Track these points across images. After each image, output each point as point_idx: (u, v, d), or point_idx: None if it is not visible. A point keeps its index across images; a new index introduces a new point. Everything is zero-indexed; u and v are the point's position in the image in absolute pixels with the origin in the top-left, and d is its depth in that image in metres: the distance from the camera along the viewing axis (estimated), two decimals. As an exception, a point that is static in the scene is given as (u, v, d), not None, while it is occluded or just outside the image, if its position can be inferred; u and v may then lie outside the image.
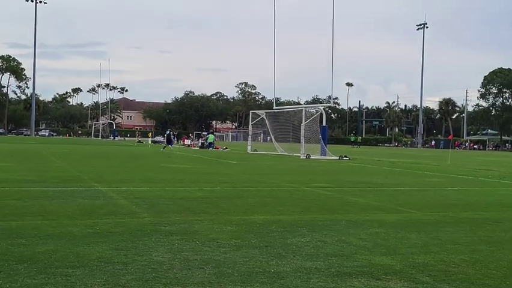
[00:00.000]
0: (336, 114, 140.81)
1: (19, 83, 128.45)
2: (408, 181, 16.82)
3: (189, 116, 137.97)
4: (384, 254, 5.82)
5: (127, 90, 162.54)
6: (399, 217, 8.68)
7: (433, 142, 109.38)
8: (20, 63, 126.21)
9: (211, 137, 46.92)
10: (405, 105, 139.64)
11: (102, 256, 5.30)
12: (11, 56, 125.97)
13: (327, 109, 55.65)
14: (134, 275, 4.69)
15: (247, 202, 9.95)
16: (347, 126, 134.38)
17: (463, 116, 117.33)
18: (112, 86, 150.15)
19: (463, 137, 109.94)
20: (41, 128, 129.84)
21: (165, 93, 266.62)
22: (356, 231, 7.13)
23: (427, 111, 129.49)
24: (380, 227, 7.48)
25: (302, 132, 34.22)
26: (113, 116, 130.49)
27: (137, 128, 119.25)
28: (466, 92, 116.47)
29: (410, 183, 15.92)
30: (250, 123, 44.69)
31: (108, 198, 9.81)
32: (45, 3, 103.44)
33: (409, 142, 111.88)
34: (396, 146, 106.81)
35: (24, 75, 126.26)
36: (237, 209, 8.95)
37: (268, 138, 52.74)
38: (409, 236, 6.91)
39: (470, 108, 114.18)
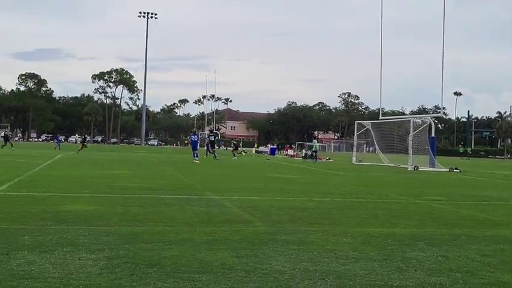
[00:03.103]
0: (443, 125, 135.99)
1: (131, 94, 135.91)
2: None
3: (291, 127, 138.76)
4: (512, 272, 5.56)
5: (231, 101, 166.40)
6: (523, 233, 8.24)
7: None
8: (132, 76, 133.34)
9: (315, 144, 43.94)
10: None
11: (224, 263, 5.47)
12: (124, 70, 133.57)
13: (434, 119, 53.84)
14: (257, 283, 4.79)
15: (359, 214, 9.86)
16: (454, 137, 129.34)
17: None
18: (217, 97, 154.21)
19: None
20: (150, 137, 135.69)
21: (268, 103, 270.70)
22: (478, 246, 6.86)
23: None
24: (504, 243, 7.14)
25: (410, 143, 33.34)
26: (218, 126, 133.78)
27: (240, 138, 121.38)
28: None
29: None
30: (356, 134, 44.22)
31: (222, 207, 10.09)
32: (156, 18, 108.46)
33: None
34: (509, 158, 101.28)
35: (136, 87, 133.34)
36: (350, 221, 8.90)
37: (372, 148, 51.96)
38: (537, 254, 6.56)
39: None
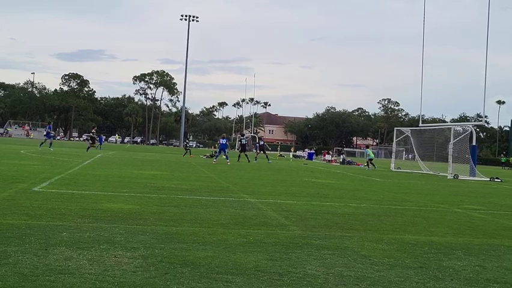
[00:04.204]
0: (484, 133, 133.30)
1: (171, 96, 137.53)
2: None
3: (330, 132, 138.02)
4: (552, 284, 5.41)
5: (269, 105, 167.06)
6: None
7: None
8: (173, 78, 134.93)
9: (371, 153, 39.97)
10: None
11: (258, 265, 5.48)
12: (164, 72, 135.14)
13: (475, 127, 52.87)
14: (290, 287, 4.79)
15: (396, 221, 9.74)
16: (496, 146, 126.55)
17: None
18: (256, 101, 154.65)
19: None
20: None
21: (306, 108, 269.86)
22: (517, 258, 6.70)
23: None
24: (544, 256, 6.96)
25: (450, 151, 32.77)
26: (256, 130, 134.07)
27: (278, 142, 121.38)
28: None
29: None
30: (395, 140, 43.71)
31: (258, 210, 10.10)
32: (197, 21, 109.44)
33: None
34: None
35: (176, 89, 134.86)
36: (386, 227, 8.80)
37: (411, 156, 51.19)
38: None
39: None
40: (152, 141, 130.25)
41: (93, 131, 40.80)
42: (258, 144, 42.10)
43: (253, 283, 4.82)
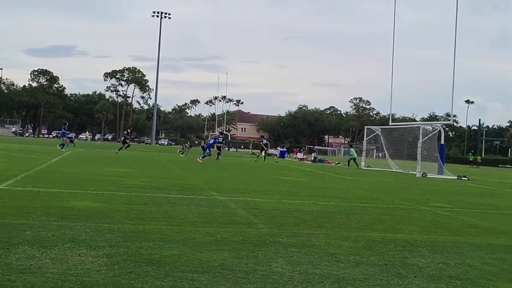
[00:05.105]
0: (453, 132, 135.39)
1: (143, 93, 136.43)
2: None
3: (302, 130, 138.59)
4: (512, 281, 5.53)
5: (242, 103, 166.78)
6: (527, 243, 8.18)
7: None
8: (144, 75, 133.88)
9: (354, 153, 40.84)
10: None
11: (224, 264, 5.47)
12: (136, 68, 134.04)
13: (444, 127, 53.60)
14: (255, 285, 4.80)
15: (364, 218, 9.83)
16: (465, 145, 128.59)
17: None
18: (229, 99, 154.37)
19: None
20: (160, 137, 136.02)
21: (279, 106, 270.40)
22: (480, 254, 6.83)
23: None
24: (506, 252, 7.11)
25: (419, 149, 33.22)
26: (229, 128, 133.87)
27: (250, 140, 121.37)
28: None
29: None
30: (365, 139, 44.09)
31: (227, 208, 10.09)
32: (169, 18, 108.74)
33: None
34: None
35: (148, 86, 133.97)
36: (354, 225, 8.88)
37: (381, 154, 51.72)
38: (540, 264, 6.51)
39: None
40: (123, 138, 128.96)
41: (125, 132, 40.99)
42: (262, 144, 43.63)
43: (218, 281, 4.82)
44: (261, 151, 43.98)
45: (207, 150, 33.90)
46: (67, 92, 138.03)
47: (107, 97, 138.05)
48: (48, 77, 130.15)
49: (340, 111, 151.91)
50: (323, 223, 8.85)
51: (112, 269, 4.96)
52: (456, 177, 30.93)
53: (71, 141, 37.44)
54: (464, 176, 31.73)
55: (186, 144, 46.47)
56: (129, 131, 39.31)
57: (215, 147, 35.87)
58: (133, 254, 5.63)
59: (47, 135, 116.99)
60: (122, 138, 45.09)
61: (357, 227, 8.66)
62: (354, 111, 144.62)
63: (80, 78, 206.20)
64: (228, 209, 9.89)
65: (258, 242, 6.72)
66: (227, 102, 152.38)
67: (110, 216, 8.05)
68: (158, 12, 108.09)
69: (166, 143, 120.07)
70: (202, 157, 31.51)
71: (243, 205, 10.64)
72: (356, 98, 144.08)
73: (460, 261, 6.33)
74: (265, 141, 45.02)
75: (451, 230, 9.16)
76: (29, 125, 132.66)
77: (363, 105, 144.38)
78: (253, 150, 77.33)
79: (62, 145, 36.40)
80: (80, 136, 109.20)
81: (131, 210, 8.84)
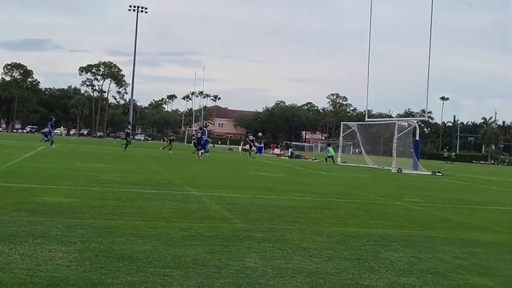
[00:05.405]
0: (429, 129, 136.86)
1: (119, 88, 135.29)
2: (507, 201, 16.08)
3: (279, 126, 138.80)
4: (481, 274, 5.61)
5: (219, 98, 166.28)
6: (497, 237, 8.32)
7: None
8: (121, 70, 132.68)
9: (331, 150, 41.33)
10: (504, 122, 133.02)
11: (197, 259, 5.45)
12: (112, 63, 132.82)
13: (420, 123, 54.13)
14: (228, 279, 4.79)
15: (338, 214, 9.88)
16: (440, 141, 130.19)
17: None
18: (206, 94, 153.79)
19: None
20: (137, 132, 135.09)
21: (256, 102, 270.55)
22: (451, 249, 6.92)
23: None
24: (476, 246, 7.20)
25: (394, 145, 33.53)
26: (206, 123, 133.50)
27: (228, 136, 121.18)
28: None
29: (509, 203, 15.22)
30: (341, 135, 44.35)
31: (201, 203, 10.06)
32: (146, 12, 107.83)
33: (506, 160, 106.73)
34: (493, 163, 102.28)
35: (124, 81, 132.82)
36: (328, 220, 8.92)
37: (358, 150, 52.08)
38: (509, 258, 6.61)
39: None
40: (99, 133, 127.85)
41: (127, 130, 41.05)
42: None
43: (190, 276, 4.80)
44: (250, 147, 44.14)
45: (205, 148, 34.71)
46: (41, 86, 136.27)
47: (82, 92, 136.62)
48: (22, 71, 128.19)
49: (317, 107, 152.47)
50: (297, 218, 8.87)
51: (82, 265, 4.91)
52: (430, 173, 31.31)
53: (45, 136, 36.57)
54: (439, 172, 32.14)
55: (171, 138, 46.35)
56: (130, 128, 39.16)
57: (192, 143, 35.98)
58: (104, 249, 5.57)
59: (20, 130, 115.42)
60: (124, 135, 45.01)
61: (332, 222, 8.70)
62: (331, 107, 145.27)
63: (55, 72, 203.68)
64: (202, 205, 9.86)
65: (232, 237, 6.71)
66: (204, 97, 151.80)
67: (83, 212, 7.97)
68: (134, 6, 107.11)
69: (143, 138, 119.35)
70: (202, 153, 31.83)
71: (218, 200, 10.62)
72: (333, 94, 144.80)
73: (432, 256, 6.40)
74: (251, 137, 45.22)
75: (423, 224, 9.26)
76: (2, 120, 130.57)
77: (340, 101, 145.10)
78: (230, 146, 77.24)
79: (52, 142, 35.52)
80: (55, 131, 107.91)
81: (105, 206, 8.76)
